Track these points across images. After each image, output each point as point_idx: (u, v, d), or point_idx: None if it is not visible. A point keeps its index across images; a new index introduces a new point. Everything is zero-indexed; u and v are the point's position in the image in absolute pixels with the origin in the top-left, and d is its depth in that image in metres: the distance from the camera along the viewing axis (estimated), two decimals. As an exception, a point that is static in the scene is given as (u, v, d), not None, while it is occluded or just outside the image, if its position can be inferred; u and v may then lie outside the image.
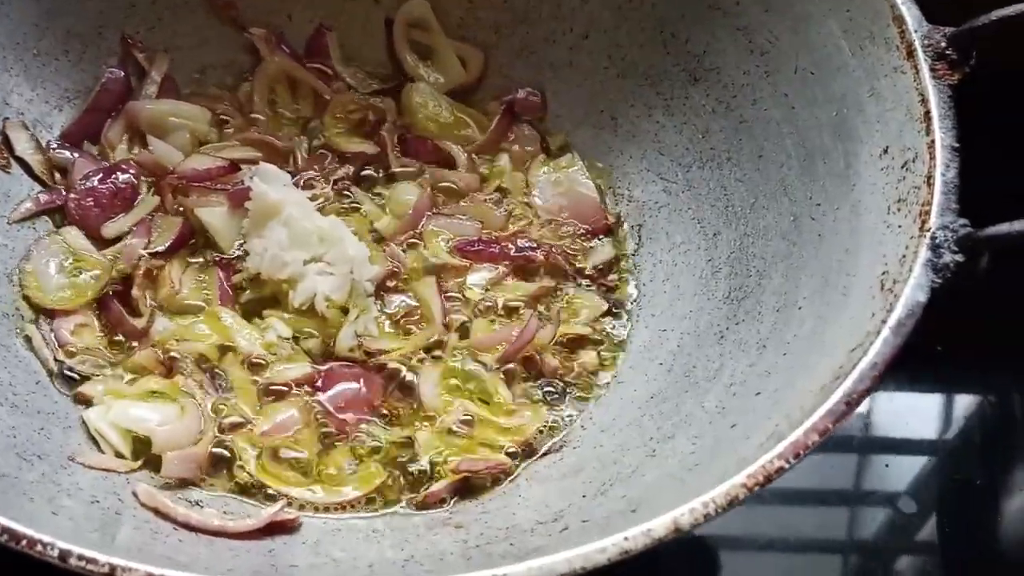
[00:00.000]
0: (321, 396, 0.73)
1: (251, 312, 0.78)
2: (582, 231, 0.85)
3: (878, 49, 0.70)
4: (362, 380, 0.75)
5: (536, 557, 0.49)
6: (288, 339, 0.76)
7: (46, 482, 0.62)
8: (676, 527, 0.51)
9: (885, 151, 0.68)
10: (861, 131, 0.71)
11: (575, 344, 0.79)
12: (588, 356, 0.79)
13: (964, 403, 0.95)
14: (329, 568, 0.62)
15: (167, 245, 0.79)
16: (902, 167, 0.66)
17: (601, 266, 0.83)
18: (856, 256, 0.67)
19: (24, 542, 0.48)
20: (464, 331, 0.79)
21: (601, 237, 0.85)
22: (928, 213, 0.62)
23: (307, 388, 0.74)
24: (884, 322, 0.58)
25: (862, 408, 0.93)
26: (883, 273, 0.63)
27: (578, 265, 0.83)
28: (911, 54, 0.68)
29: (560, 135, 0.90)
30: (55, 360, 0.73)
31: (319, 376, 0.74)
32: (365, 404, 0.74)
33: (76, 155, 0.82)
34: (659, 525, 0.51)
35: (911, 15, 0.69)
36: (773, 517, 0.86)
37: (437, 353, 0.77)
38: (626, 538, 0.50)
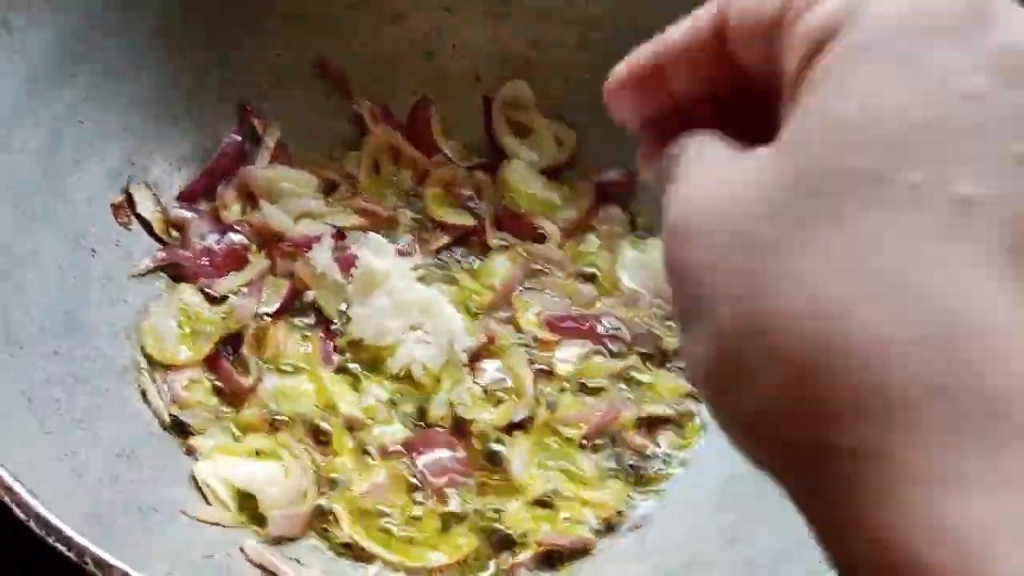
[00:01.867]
0: (418, 460, 0.77)
1: (350, 375, 0.82)
2: (667, 312, 0.88)
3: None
4: (455, 447, 0.78)
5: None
6: (385, 403, 0.80)
7: (162, 536, 0.66)
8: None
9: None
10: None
11: (657, 424, 0.82)
12: (669, 436, 0.81)
13: None
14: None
15: (276, 307, 0.83)
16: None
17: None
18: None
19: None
20: (551, 404, 0.82)
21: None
22: None
23: (403, 452, 0.77)
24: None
25: None
26: None
27: (662, 347, 0.86)
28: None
29: (649, 217, 0.93)
30: (168, 414, 0.77)
31: (415, 441, 0.78)
32: (457, 471, 0.77)
33: (192, 215, 0.86)
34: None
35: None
36: None
37: (525, 423, 0.80)
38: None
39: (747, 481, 0.75)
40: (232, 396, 0.79)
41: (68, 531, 0.55)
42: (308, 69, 0.93)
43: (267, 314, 0.83)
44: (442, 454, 0.77)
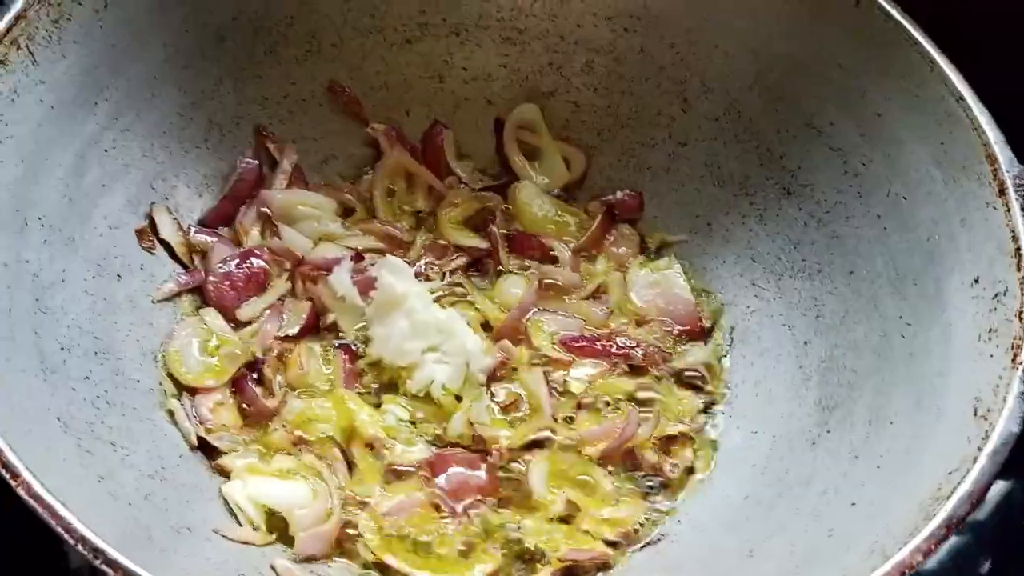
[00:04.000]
0: (438, 479, 0.78)
1: (371, 396, 0.84)
2: (677, 331, 0.90)
3: (970, 182, 0.75)
4: (475, 466, 0.80)
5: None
6: (406, 422, 0.82)
7: (196, 556, 0.68)
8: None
9: (976, 281, 0.73)
10: (951, 258, 0.76)
11: (671, 441, 0.84)
12: (684, 453, 0.84)
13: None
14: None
15: (297, 329, 0.85)
16: (993, 298, 0.71)
17: (696, 367, 0.88)
18: (948, 379, 0.72)
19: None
20: (568, 422, 0.84)
21: (695, 340, 0.90)
22: (1020, 347, 0.67)
23: (424, 471, 0.79)
24: (980, 449, 0.63)
25: None
26: (976, 400, 0.67)
27: (674, 365, 0.88)
28: (1003, 192, 0.73)
29: (658, 236, 0.95)
30: (196, 435, 0.78)
31: (435, 460, 0.80)
32: (478, 489, 0.79)
33: (214, 239, 0.88)
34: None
35: (1004, 156, 0.74)
36: None
37: (543, 440, 0.82)
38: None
39: (762, 498, 0.78)
40: (257, 417, 0.81)
41: (114, 553, 0.57)
42: (322, 95, 0.95)
43: (289, 336, 0.85)
44: (461, 472, 0.79)
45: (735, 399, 0.87)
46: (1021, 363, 0.66)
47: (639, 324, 0.90)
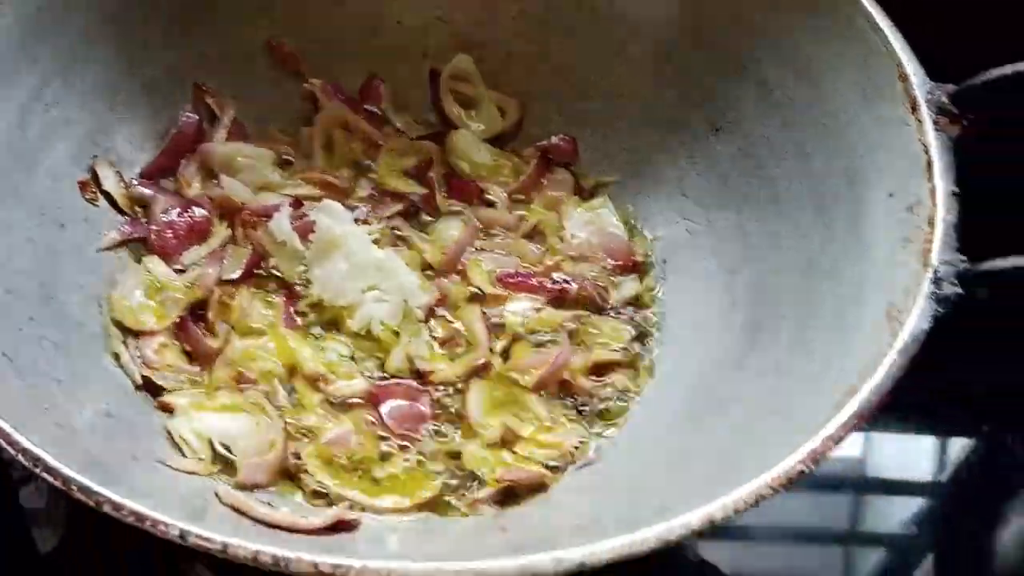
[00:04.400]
0: (381, 408, 0.81)
1: (312, 335, 0.86)
2: (611, 266, 0.93)
3: (886, 103, 0.78)
4: (414, 397, 0.82)
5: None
6: (347, 358, 0.84)
7: (142, 482, 0.70)
8: (710, 520, 0.58)
9: (891, 195, 0.76)
10: (871, 178, 0.79)
11: (605, 369, 0.87)
12: (617, 380, 0.86)
13: (957, 445, 1.02)
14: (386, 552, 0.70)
15: (238, 274, 0.87)
16: (907, 210, 0.74)
17: (629, 299, 0.91)
18: (865, 291, 0.75)
19: (148, 522, 0.56)
20: (505, 355, 0.86)
21: (629, 273, 0.93)
22: (931, 251, 0.70)
23: (365, 403, 0.82)
24: (891, 346, 0.66)
25: (857, 451, 1.00)
26: (890, 304, 0.70)
27: (608, 297, 0.91)
28: (915, 108, 0.76)
29: (592, 178, 0.98)
30: (141, 376, 0.80)
31: (376, 391, 0.82)
32: (417, 419, 0.81)
33: (155, 191, 0.90)
34: (695, 518, 0.58)
35: (916, 75, 0.77)
36: (771, 556, 0.94)
37: (481, 372, 0.85)
38: (667, 528, 0.57)
39: (692, 416, 0.81)
40: (201, 358, 0.83)
41: (67, 471, 0.58)
42: (260, 51, 0.97)
43: (231, 281, 0.86)
44: (401, 403, 0.81)
45: (667, 327, 0.90)
46: (931, 265, 0.69)
47: (575, 261, 0.93)
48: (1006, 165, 0.93)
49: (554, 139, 0.99)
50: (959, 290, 0.68)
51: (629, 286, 0.92)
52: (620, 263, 0.93)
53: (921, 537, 0.96)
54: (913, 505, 0.98)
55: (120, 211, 0.89)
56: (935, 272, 0.69)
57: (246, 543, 0.55)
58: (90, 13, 0.87)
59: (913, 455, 1.02)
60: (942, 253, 0.69)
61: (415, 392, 0.82)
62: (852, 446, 1.01)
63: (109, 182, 0.88)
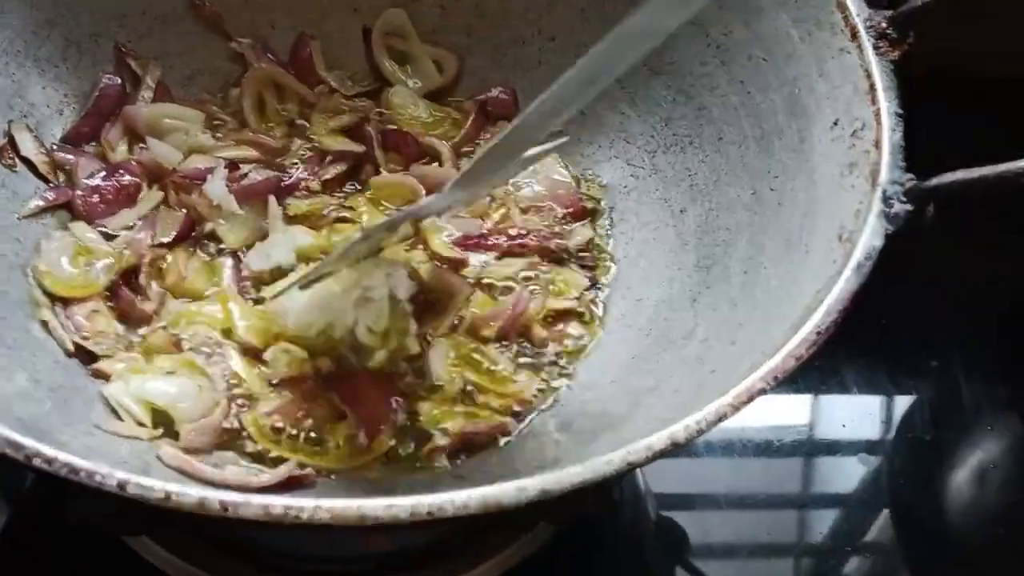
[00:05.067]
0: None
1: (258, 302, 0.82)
2: (561, 215, 0.91)
3: (825, 34, 0.78)
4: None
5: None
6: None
7: (79, 446, 0.66)
8: (673, 441, 0.56)
9: (835, 123, 0.75)
10: (812, 109, 0.78)
11: (561, 317, 0.85)
12: (573, 326, 0.85)
13: (903, 403, 1.02)
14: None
15: (171, 237, 0.83)
16: (852, 135, 0.73)
17: (580, 246, 0.89)
18: (815, 217, 0.74)
19: (83, 474, 0.52)
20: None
21: (579, 220, 0.91)
22: (878, 172, 0.69)
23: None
24: (846, 264, 0.65)
25: (805, 417, 1.01)
26: (841, 227, 0.69)
27: (563, 246, 0.89)
28: (855, 36, 0.75)
29: (536, 130, 0.96)
30: (72, 342, 0.77)
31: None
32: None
33: (77, 156, 0.86)
34: (658, 440, 0.56)
35: (853, 2, 0.77)
36: (727, 522, 0.93)
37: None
38: (629, 451, 0.55)
39: (649, 356, 0.79)
40: (135, 322, 0.79)
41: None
42: (184, 10, 0.93)
43: (164, 244, 0.83)
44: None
45: (619, 272, 0.89)
46: (879, 184, 0.68)
47: (524, 211, 0.91)
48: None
49: (493, 92, 0.97)
50: (909, 207, 0.67)
51: (580, 232, 0.90)
52: (569, 210, 0.91)
53: (875, 495, 0.96)
54: (866, 463, 0.98)
55: (41, 177, 0.85)
56: (884, 191, 0.68)
57: (189, 490, 0.52)
58: (1, -29, 0.83)
59: (860, 412, 1.02)
60: (890, 172, 0.69)
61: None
62: (800, 411, 1.01)
63: (28, 146, 0.84)
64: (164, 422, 0.74)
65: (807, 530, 0.94)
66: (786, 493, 0.97)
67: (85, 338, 0.77)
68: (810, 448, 0.99)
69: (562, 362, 0.83)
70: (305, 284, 0.74)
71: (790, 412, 1.02)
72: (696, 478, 0.96)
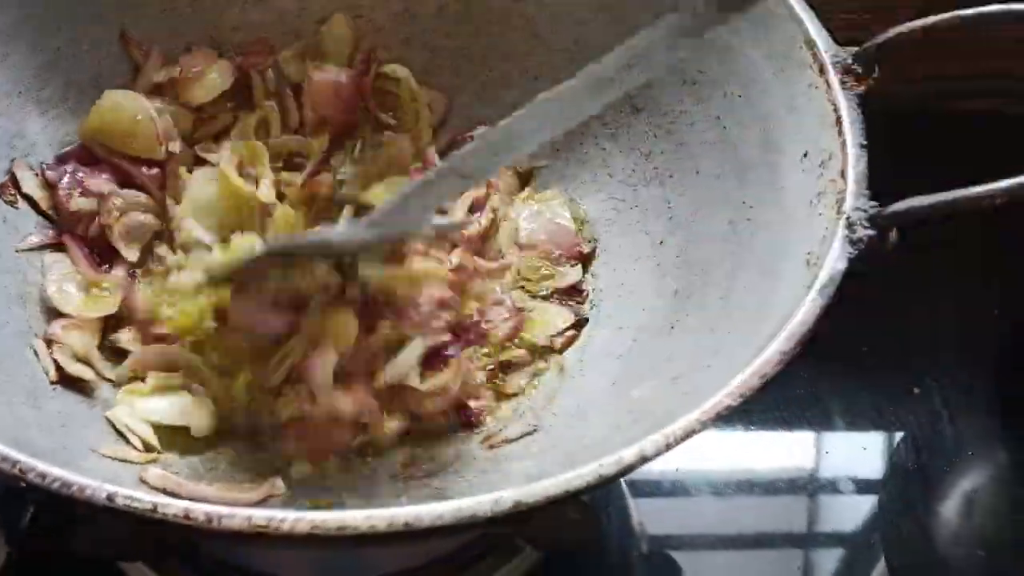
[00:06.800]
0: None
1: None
2: (556, 256, 0.94)
3: (794, 70, 0.81)
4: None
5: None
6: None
7: (72, 466, 0.68)
8: (642, 455, 0.59)
9: (805, 155, 0.78)
10: (784, 142, 0.81)
11: (544, 350, 0.89)
12: (554, 358, 0.88)
13: (894, 439, 1.05)
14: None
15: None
16: (819, 166, 0.76)
17: (569, 287, 0.93)
18: (787, 245, 0.77)
19: (75, 488, 0.55)
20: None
21: (573, 263, 0.94)
22: (844, 200, 0.72)
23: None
24: (810, 287, 0.68)
25: (808, 462, 1.03)
26: (808, 253, 0.72)
27: (552, 285, 0.92)
28: (823, 71, 0.79)
29: (527, 166, 0.99)
30: (55, 371, 0.79)
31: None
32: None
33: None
34: (628, 454, 0.59)
35: (821, 38, 0.80)
36: (728, 561, 0.96)
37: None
38: (601, 464, 0.58)
39: (628, 383, 0.81)
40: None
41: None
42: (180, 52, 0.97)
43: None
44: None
45: (601, 303, 0.91)
46: (844, 212, 0.71)
47: (522, 249, 0.94)
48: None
49: (479, 130, 1.00)
50: (871, 232, 0.70)
51: (572, 273, 0.93)
52: (566, 254, 0.94)
53: (871, 532, 0.98)
54: (864, 502, 1.00)
55: (42, 214, 0.88)
56: (848, 218, 0.71)
57: (175, 501, 0.54)
58: (4, 17, 0.86)
59: (859, 452, 1.04)
60: (855, 200, 0.72)
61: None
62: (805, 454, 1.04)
63: (29, 184, 0.87)
64: (169, 437, 0.77)
65: (808, 569, 0.96)
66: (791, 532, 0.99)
67: (79, 364, 0.80)
68: (800, 484, 1.02)
69: (543, 392, 0.86)
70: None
71: (770, 450, 1.04)
72: (687, 515, 0.99)
